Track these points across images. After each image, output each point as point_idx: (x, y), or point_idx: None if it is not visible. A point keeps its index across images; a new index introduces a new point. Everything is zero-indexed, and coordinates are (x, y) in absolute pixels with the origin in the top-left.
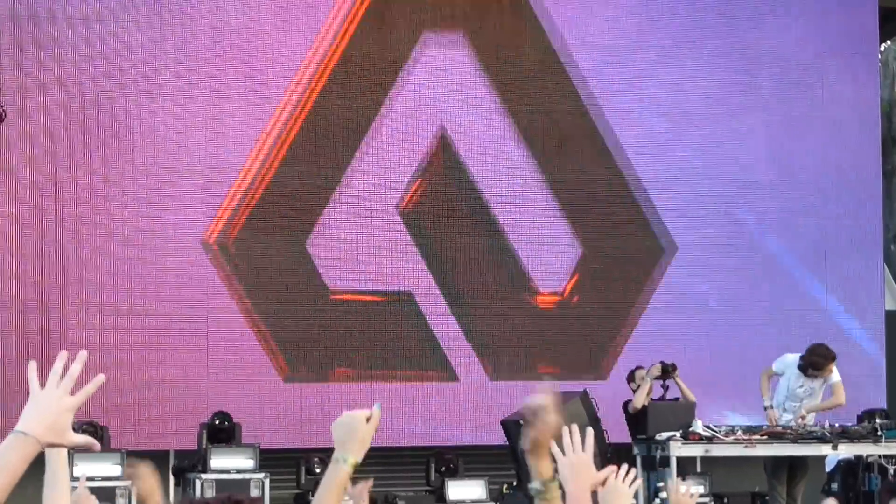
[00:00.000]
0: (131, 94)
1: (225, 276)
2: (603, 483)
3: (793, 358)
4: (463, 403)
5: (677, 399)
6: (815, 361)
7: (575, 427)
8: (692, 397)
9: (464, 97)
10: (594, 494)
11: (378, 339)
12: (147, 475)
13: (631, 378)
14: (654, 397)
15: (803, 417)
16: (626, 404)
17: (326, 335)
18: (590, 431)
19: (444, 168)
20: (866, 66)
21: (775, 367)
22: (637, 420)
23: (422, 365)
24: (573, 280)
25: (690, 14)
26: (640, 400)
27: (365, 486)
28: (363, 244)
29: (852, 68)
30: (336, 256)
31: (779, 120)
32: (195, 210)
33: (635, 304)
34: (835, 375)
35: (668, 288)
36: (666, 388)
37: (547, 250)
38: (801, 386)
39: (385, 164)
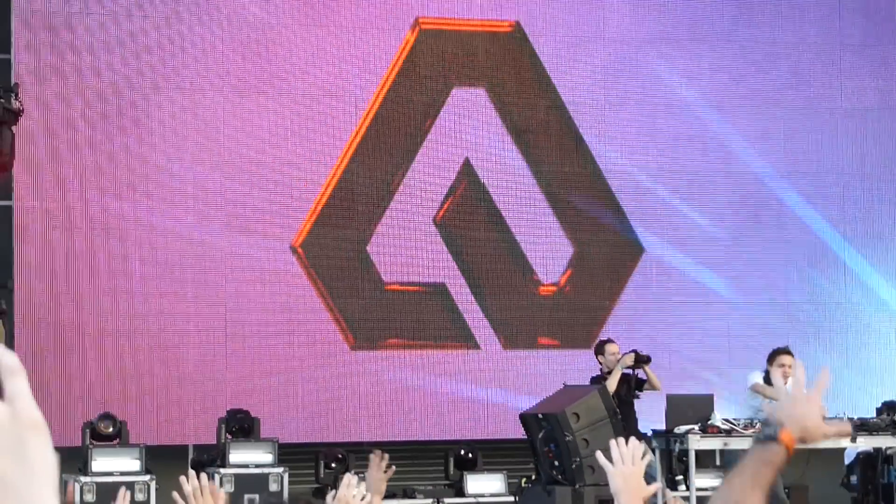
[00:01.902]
0: (155, 89)
1: (310, 279)
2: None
3: (756, 375)
4: (483, 373)
5: (643, 381)
6: (768, 359)
7: (622, 440)
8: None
9: (484, 136)
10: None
11: (421, 318)
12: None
13: (600, 351)
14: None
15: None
16: (593, 382)
17: (382, 315)
18: (638, 444)
19: (469, 189)
20: (885, 56)
21: (751, 382)
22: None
23: (453, 337)
24: (567, 274)
25: (706, 8)
26: (611, 387)
27: (385, 475)
28: (409, 247)
29: (871, 61)
30: (390, 256)
31: (797, 113)
32: (218, 208)
33: (616, 291)
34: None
35: (643, 277)
36: (635, 372)
37: (546, 251)
38: None
39: (424, 186)
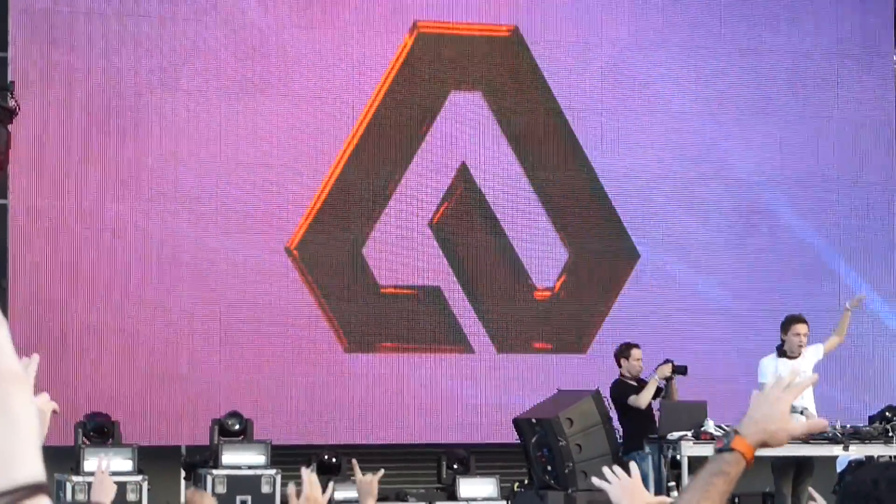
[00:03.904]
0: (152, 89)
1: (305, 279)
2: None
3: (768, 358)
4: (476, 377)
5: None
6: (782, 326)
7: (614, 469)
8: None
9: (480, 140)
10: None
11: (415, 322)
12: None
13: (624, 355)
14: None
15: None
16: (616, 388)
17: (376, 318)
18: (633, 466)
19: (464, 193)
20: (881, 66)
21: (763, 379)
22: (639, 414)
23: (447, 341)
24: (562, 279)
25: (704, 14)
26: (645, 399)
27: (374, 478)
28: (404, 250)
29: (867, 69)
30: (386, 259)
31: (792, 120)
32: (214, 209)
33: (610, 297)
34: (813, 347)
35: (637, 283)
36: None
37: (541, 255)
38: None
39: (421, 189)
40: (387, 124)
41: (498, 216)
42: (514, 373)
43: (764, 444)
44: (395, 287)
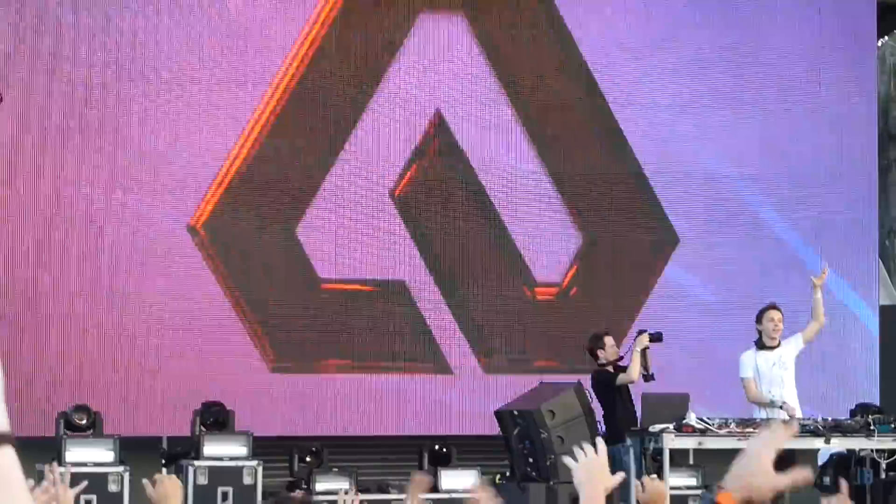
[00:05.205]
0: (122, 78)
1: (213, 264)
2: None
3: (747, 353)
4: (456, 396)
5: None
6: (756, 318)
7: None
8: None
9: (461, 80)
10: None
11: (370, 330)
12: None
13: (598, 346)
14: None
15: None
16: (599, 377)
17: (316, 325)
18: (599, 441)
19: (439, 153)
20: (864, 60)
21: (744, 373)
22: (619, 391)
23: (415, 356)
24: (572, 271)
25: (690, 7)
26: (635, 372)
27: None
28: (355, 231)
29: (850, 62)
30: (328, 244)
31: (776, 114)
32: (184, 195)
33: (635, 297)
34: (793, 338)
35: (667, 281)
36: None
37: (545, 240)
38: (773, 364)
39: (379, 148)
40: (330, 60)
41: (484, 184)
42: (508, 399)
43: (749, 501)
44: (343, 282)
